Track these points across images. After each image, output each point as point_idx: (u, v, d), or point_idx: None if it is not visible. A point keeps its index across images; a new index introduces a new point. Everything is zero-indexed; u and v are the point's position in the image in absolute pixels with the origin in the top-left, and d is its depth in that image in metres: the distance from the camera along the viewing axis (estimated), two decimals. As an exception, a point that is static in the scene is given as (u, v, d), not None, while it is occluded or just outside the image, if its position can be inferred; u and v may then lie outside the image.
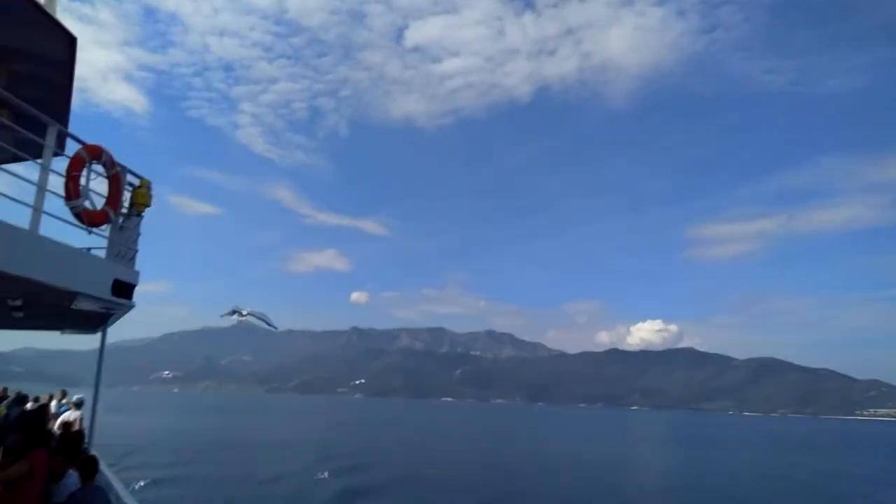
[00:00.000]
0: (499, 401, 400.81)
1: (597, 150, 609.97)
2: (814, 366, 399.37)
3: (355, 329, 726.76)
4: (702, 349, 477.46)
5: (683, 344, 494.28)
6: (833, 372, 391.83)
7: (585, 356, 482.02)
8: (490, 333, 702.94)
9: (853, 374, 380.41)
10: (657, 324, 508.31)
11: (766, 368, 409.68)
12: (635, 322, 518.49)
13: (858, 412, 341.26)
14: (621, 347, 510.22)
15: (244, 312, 19.97)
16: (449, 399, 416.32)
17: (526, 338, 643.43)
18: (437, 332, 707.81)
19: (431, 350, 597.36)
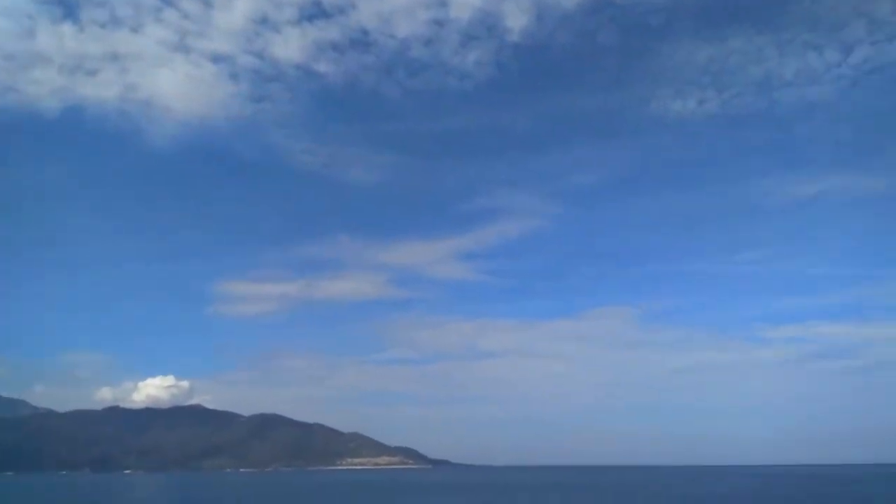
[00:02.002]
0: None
1: (134, 187, 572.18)
2: (309, 420, 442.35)
3: None
4: (210, 406, 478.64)
5: (194, 401, 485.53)
6: (323, 426, 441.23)
7: (79, 415, 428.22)
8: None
9: (340, 428, 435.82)
10: (168, 380, 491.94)
11: (268, 424, 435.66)
12: (145, 378, 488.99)
13: (339, 462, 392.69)
14: (124, 405, 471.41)
15: None
16: None
17: (4, 393, 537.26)
18: None
19: None
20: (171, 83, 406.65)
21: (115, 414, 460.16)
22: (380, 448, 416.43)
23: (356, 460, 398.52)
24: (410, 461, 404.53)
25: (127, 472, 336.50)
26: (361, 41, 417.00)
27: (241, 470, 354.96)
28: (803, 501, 64.27)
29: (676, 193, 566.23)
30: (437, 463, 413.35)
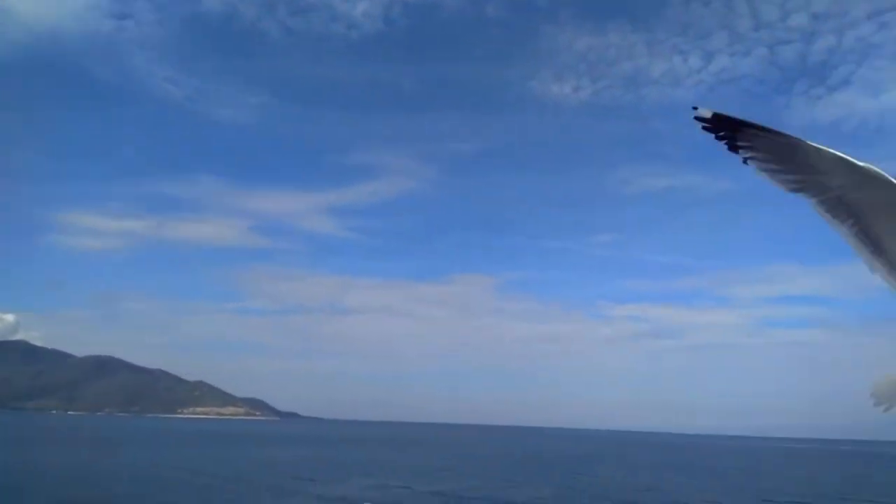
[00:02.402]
0: None
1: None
2: (150, 366, 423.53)
3: None
4: (38, 343, 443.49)
5: (19, 336, 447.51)
6: (166, 372, 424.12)
7: None
8: None
9: (184, 376, 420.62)
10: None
11: (103, 366, 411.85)
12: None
13: (181, 410, 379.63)
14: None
15: None
16: None
17: None
18: None
19: None
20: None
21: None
22: (226, 398, 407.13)
23: (200, 409, 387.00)
24: (258, 412, 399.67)
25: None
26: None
27: (70, 413, 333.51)
28: (604, 460, 72.00)
29: (545, 172, 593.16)
30: (286, 415, 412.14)
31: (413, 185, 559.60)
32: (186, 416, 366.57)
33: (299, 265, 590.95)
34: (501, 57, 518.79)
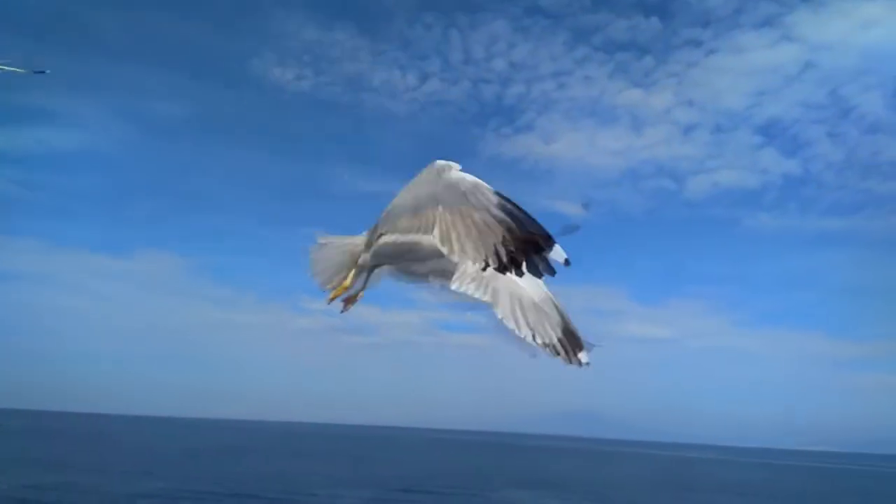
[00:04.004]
0: None
1: None
2: None
3: None
4: None
5: None
6: None
7: None
8: None
9: None
10: None
11: None
12: None
13: None
14: None
15: None
16: None
17: None
18: None
19: None
20: None
21: None
22: None
23: None
24: None
25: None
26: None
27: None
28: (265, 452, 73.18)
29: (257, 154, 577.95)
30: None
31: (100, 141, 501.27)
32: None
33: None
34: (226, 25, 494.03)
